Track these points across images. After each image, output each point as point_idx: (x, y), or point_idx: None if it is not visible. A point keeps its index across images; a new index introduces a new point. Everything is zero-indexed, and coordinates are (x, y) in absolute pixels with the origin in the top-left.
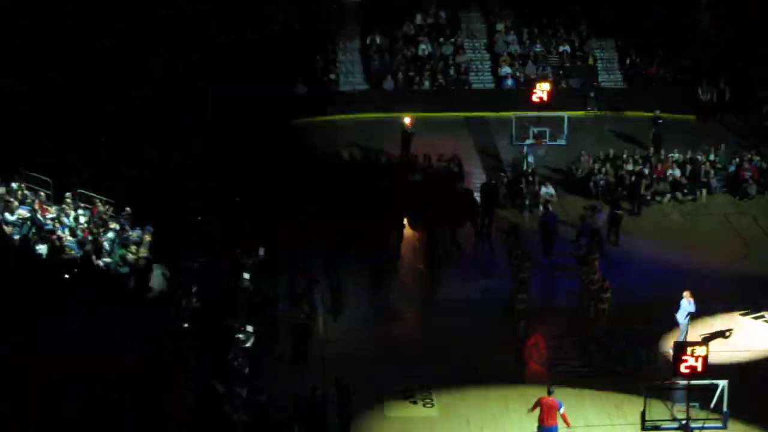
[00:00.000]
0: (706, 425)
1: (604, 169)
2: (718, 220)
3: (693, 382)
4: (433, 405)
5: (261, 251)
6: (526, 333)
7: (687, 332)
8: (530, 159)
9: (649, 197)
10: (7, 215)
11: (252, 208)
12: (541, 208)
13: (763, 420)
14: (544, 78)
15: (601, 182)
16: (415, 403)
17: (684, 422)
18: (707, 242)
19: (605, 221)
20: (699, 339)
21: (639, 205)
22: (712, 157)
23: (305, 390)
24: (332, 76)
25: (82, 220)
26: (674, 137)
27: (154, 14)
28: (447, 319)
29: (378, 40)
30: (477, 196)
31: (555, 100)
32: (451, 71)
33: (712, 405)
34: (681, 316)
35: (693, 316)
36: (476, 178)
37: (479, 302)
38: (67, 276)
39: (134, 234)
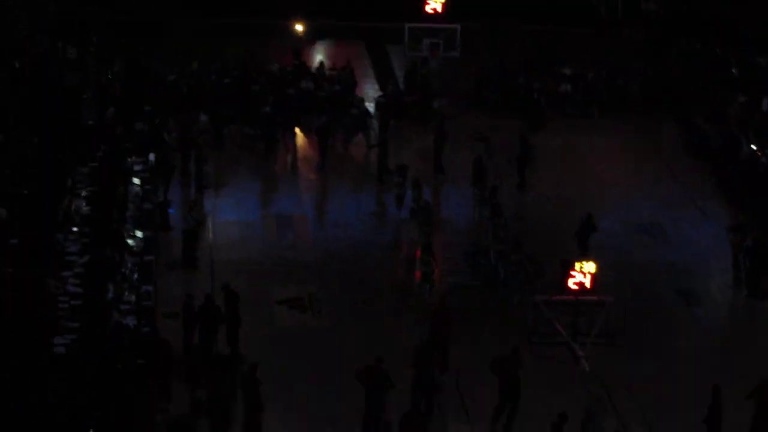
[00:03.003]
0: (591, 341)
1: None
2: (610, 136)
3: (581, 298)
4: (321, 314)
5: (151, 156)
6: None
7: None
8: (423, 70)
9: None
10: None
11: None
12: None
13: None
14: None
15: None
16: (303, 312)
17: (569, 338)
18: (599, 159)
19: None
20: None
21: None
22: (603, 73)
23: (197, 297)
24: None
25: None
26: (569, 52)
27: None
28: (338, 230)
29: None
30: (369, 106)
31: (449, 12)
32: None
33: (598, 322)
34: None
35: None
36: (369, 88)
37: (371, 214)
38: None
39: None
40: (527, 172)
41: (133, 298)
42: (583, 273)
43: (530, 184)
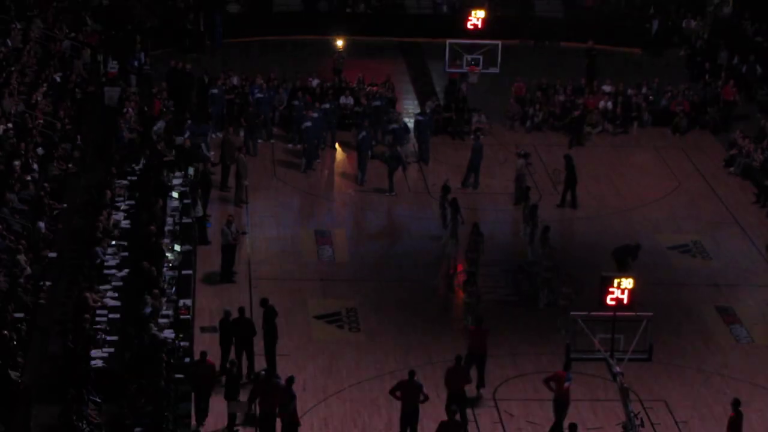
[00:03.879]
0: (630, 357)
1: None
2: (650, 153)
3: (618, 314)
4: (359, 329)
5: (191, 170)
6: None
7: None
8: (463, 86)
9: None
10: None
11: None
12: (472, 136)
13: (684, 355)
14: (479, 5)
15: (535, 118)
16: (341, 327)
17: (608, 354)
18: (639, 176)
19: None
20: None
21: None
22: (644, 90)
23: (234, 312)
24: None
25: None
26: (611, 70)
27: None
28: (377, 245)
29: None
30: (409, 122)
31: (490, 28)
32: None
33: (636, 338)
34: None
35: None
36: (408, 103)
37: (410, 229)
38: None
39: None
40: (575, 193)
41: (171, 312)
42: (621, 289)
43: (570, 202)
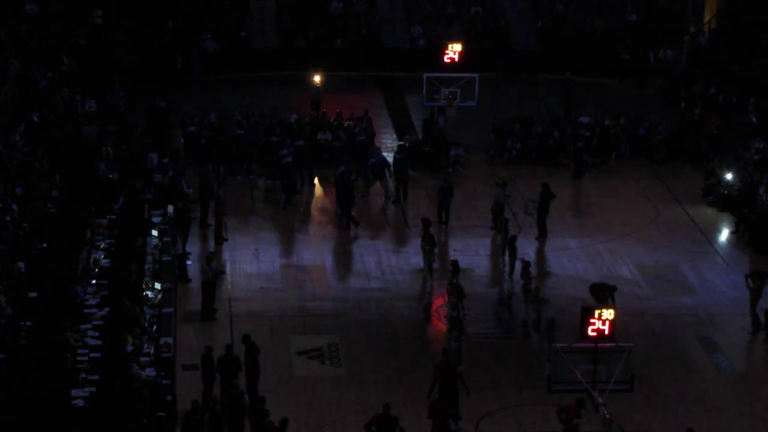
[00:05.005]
0: (612, 388)
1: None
2: (629, 183)
3: (600, 345)
4: (340, 364)
5: (170, 208)
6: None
7: None
8: (440, 119)
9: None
10: None
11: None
12: (451, 170)
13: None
14: (455, 39)
15: (514, 151)
16: (323, 362)
17: (590, 385)
18: (618, 206)
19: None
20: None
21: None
22: (621, 120)
23: (216, 349)
24: (243, 34)
25: None
26: (588, 101)
27: None
28: (357, 280)
29: None
30: (387, 155)
31: (466, 61)
32: (363, 30)
33: (617, 369)
34: None
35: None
36: (386, 138)
37: (390, 264)
38: None
39: None
40: (546, 221)
41: (152, 350)
42: (602, 320)
43: (550, 231)
